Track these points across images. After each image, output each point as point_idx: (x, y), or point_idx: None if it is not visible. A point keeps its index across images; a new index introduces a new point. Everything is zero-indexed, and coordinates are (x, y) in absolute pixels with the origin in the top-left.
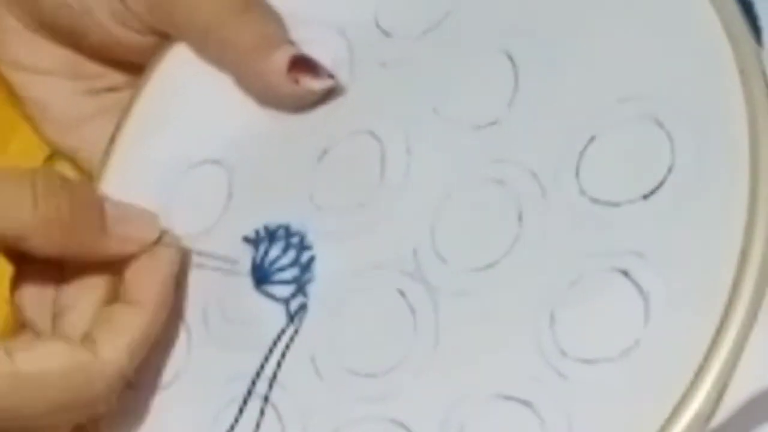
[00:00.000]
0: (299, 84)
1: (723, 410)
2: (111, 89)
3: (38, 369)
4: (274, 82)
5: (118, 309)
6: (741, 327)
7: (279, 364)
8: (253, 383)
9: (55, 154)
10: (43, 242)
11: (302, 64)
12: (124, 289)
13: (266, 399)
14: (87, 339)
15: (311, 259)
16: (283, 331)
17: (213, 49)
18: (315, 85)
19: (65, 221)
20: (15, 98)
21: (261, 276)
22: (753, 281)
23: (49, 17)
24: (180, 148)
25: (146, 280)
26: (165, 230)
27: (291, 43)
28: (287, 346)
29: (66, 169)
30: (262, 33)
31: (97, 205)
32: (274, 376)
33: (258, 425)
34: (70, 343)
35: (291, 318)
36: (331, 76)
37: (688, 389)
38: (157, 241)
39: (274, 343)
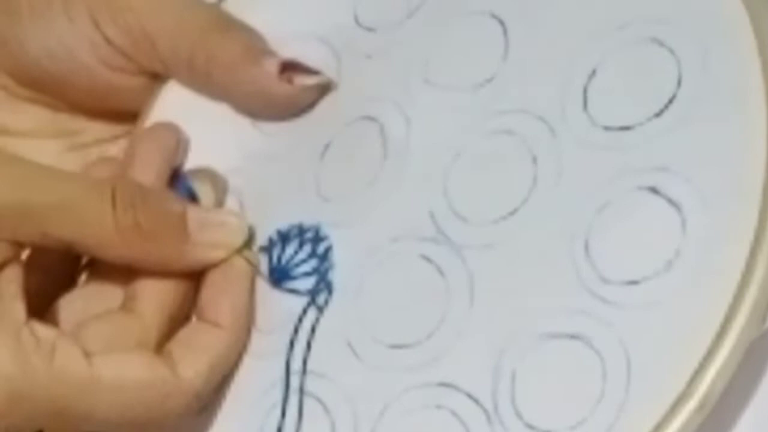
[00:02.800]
0: (293, 83)
1: None
2: (98, 142)
3: (116, 375)
4: (268, 86)
5: (198, 327)
6: None
7: (305, 359)
8: (287, 382)
9: None
10: (123, 252)
11: (292, 67)
12: (201, 306)
13: (307, 393)
14: (165, 354)
15: (328, 249)
16: (300, 318)
17: (200, 70)
18: (308, 80)
19: (146, 230)
20: None
21: (280, 276)
22: None
23: (34, 70)
24: None
25: (225, 300)
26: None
27: (274, 52)
28: (312, 333)
29: None
30: (248, 44)
31: (178, 213)
32: (304, 366)
33: (303, 422)
34: (150, 354)
35: (316, 306)
36: (319, 72)
37: (740, 283)
38: (243, 247)
39: (296, 332)
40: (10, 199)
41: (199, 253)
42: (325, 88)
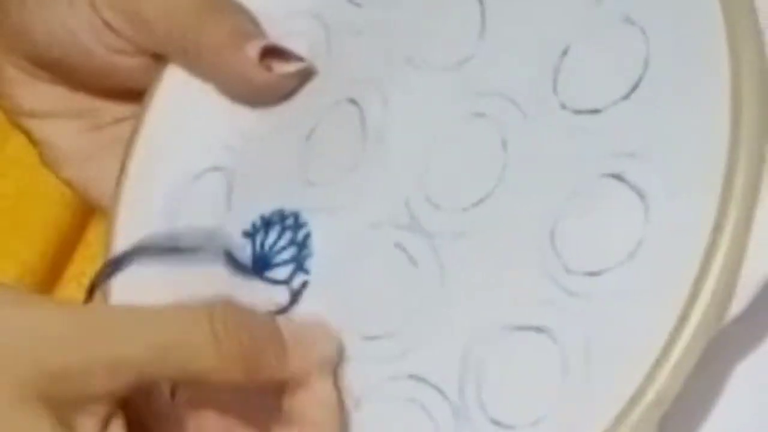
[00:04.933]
0: (272, 70)
1: (740, 293)
2: (115, 122)
3: None
4: (248, 74)
5: None
6: (743, 203)
7: None
8: None
9: None
10: (225, 377)
11: (274, 53)
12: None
13: None
14: None
15: (307, 236)
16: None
17: (190, 53)
18: (286, 68)
19: (248, 355)
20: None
21: (261, 264)
22: (748, 157)
23: (44, 54)
24: (184, 163)
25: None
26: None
27: (262, 35)
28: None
29: None
30: (233, 29)
31: (277, 331)
32: None
33: None
34: None
35: (293, 296)
36: (301, 59)
37: (698, 276)
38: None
39: None
40: (99, 355)
41: (296, 366)
42: (306, 75)
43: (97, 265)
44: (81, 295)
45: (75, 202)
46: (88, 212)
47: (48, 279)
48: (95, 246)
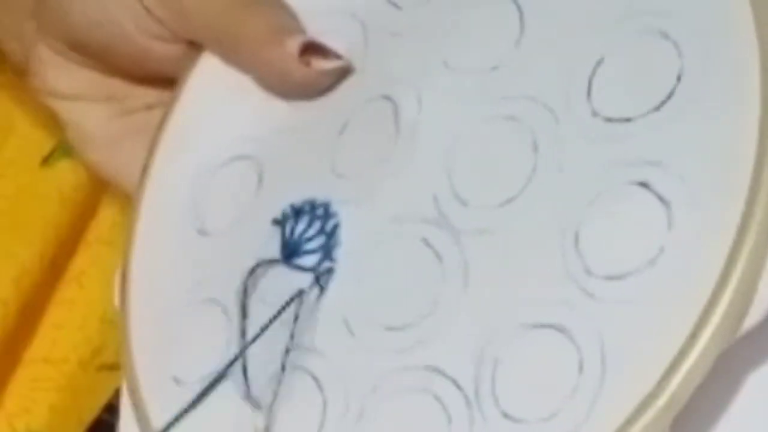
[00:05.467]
0: (311, 66)
1: (756, 306)
2: (145, 108)
3: None
4: (287, 68)
5: None
6: (765, 217)
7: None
8: (286, 355)
9: (52, 154)
10: None
11: (314, 50)
12: None
13: (302, 368)
14: None
15: (336, 226)
16: (300, 294)
17: (228, 45)
18: (325, 65)
19: None
20: (59, 124)
21: (290, 251)
22: None
23: (81, 37)
24: (210, 149)
25: None
26: None
27: (303, 31)
28: (312, 310)
29: (66, 170)
30: (274, 22)
31: None
32: (292, 340)
33: (296, 396)
34: None
35: (319, 284)
36: (340, 56)
37: (717, 286)
38: None
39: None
40: None
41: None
42: (344, 73)
43: (101, 263)
44: (80, 295)
45: (75, 202)
46: (87, 212)
47: (47, 280)
48: (95, 246)
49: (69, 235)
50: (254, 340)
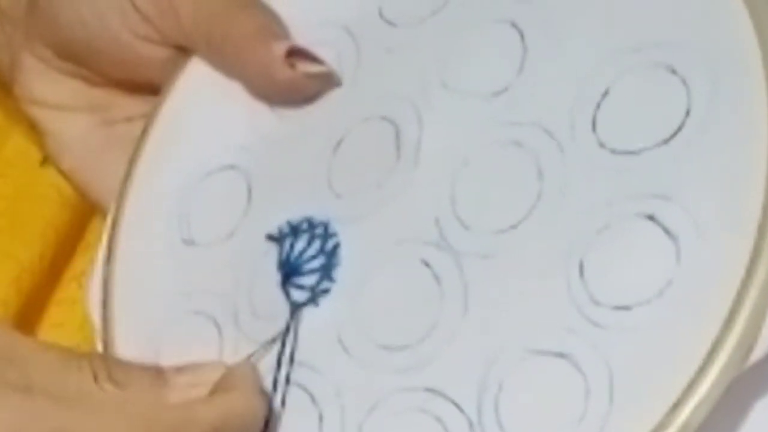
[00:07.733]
0: (295, 69)
1: (765, 337)
2: (126, 120)
3: None
4: (271, 68)
5: None
6: None
7: (291, 350)
8: (278, 371)
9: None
10: None
11: (300, 55)
12: None
13: (296, 383)
14: None
15: (336, 246)
16: (294, 312)
17: (215, 44)
18: (311, 68)
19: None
20: (36, 134)
21: (289, 270)
22: None
23: (66, 38)
24: (196, 158)
25: None
26: None
27: (290, 37)
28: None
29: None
30: (262, 24)
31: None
32: (292, 357)
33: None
34: None
35: (315, 302)
36: (325, 63)
37: (727, 318)
38: None
39: (287, 327)
40: None
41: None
42: (329, 81)
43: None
44: (80, 295)
45: (74, 202)
46: (87, 213)
47: (47, 280)
48: (95, 246)
49: (69, 235)
50: (252, 355)
